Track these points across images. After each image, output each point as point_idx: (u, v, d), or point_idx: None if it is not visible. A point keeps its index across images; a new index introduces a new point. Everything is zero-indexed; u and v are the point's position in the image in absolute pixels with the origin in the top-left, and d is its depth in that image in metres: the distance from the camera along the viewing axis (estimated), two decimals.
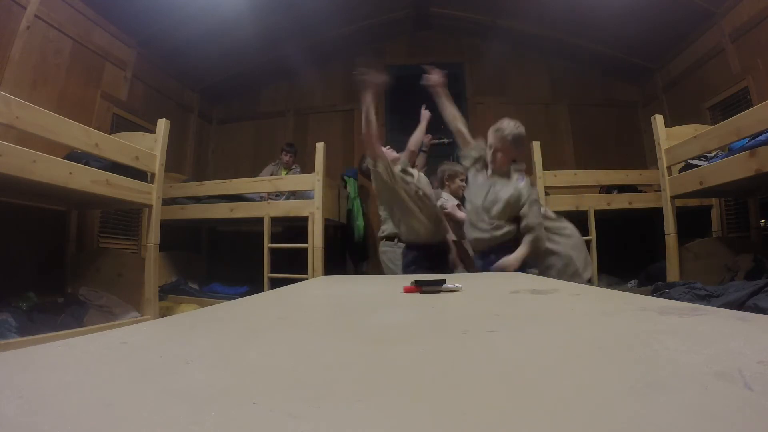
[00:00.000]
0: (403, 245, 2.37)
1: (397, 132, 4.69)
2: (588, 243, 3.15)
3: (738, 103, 3.24)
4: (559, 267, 2.37)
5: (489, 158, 2.13)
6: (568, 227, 2.49)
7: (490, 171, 2.15)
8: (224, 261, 4.36)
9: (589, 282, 2.40)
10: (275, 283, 3.05)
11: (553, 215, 2.45)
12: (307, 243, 3.21)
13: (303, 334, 0.55)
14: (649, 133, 3.03)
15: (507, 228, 2.07)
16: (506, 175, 2.11)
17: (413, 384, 0.32)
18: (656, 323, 0.52)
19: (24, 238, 2.69)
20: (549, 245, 2.45)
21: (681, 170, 2.68)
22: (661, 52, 4.03)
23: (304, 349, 0.45)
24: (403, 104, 4.75)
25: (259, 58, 4.48)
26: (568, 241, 2.42)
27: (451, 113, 2.27)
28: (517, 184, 2.08)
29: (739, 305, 1.75)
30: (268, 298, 1.02)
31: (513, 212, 2.06)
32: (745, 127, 2.03)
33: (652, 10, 3.48)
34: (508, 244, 2.06)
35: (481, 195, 2.11)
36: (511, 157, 2.10)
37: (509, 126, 2.06)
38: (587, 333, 0.51)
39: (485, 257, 2.12)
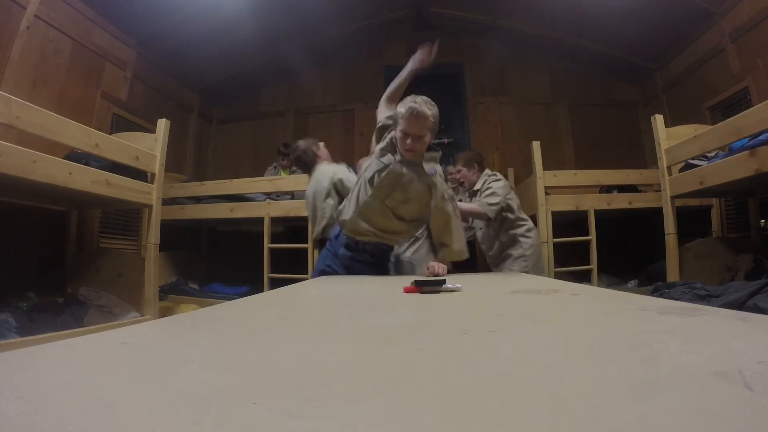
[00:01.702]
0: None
1: None
2: (588, 243, 3.16)
3: (738, 103, 3.23)
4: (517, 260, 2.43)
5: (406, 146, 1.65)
6: (532, 227, 2.56)
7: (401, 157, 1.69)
8: (224, 261, 4.36)
9: None
10: (275, 283, 3.05)
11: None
12: (307, 243, 3.21)
13: (303, 334, 0.55)
14: (649, 133, 3.02)
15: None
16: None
17: (413, 384, 0.32)
18: (656, 323, 0.52)
19: (24, 238, 2.69)
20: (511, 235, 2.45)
21: (681, 170, 2.68)
22: (661, 52, 4.03)
23: (304, 349, 0.45)
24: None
25: (259, 58, 4.47)
26: (528, 239, 2.48)
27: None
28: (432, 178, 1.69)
29: (739, 305, 1.74)
30: (268, 298, 1.02)
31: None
32: (745, 127, 2.03)
33: (652, 10, 3.48)
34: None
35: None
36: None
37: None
38: (587, 333, 0.51)
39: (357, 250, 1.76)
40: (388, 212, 1.69)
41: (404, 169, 1.66)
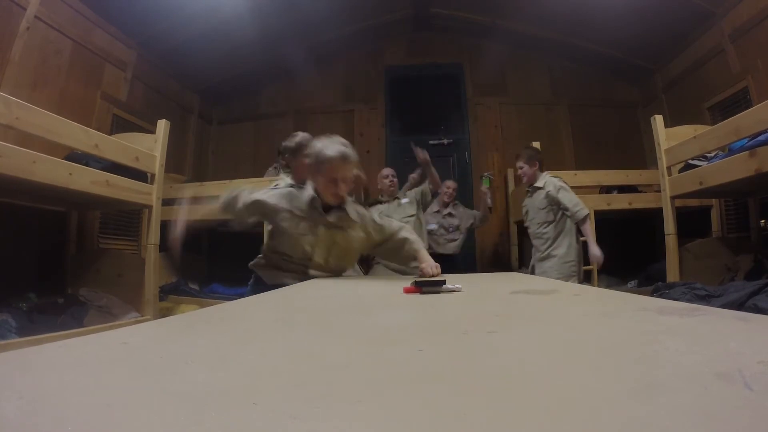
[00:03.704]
0: None
1: (396, 133, 4.69)
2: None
3: (738, 103, 3.23)
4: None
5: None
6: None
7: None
8: (224, 261, 4.35)
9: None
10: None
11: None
12: None
13: (303, 334, 0.55)
14: (649, 133, 3.02)
15: None
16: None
17: (413, 384, 0.32)
18: (656, 323, 0.52)
19: (24, 238, 2.69)
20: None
21: (681, 170, 2.68)
22: (661, 52, 4.03)
23: (304, 350, 0.45)
24: (402, 104, 4.76)
25: (259, 59, 4.48)
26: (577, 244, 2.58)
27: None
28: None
29: (739, 305, 1.74)
30: (268, 298, 1.02)
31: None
32: (745, 127, 2.03)
33: (651, 10, 3.48)
34: None
35: None
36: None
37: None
38: (587, 333, 0.51)
39: None
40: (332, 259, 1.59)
41: (336, 220, 1.53)
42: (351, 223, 1.56)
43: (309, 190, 1.54)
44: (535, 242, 2.70)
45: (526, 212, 2.78)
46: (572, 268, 2.52)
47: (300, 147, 1.92)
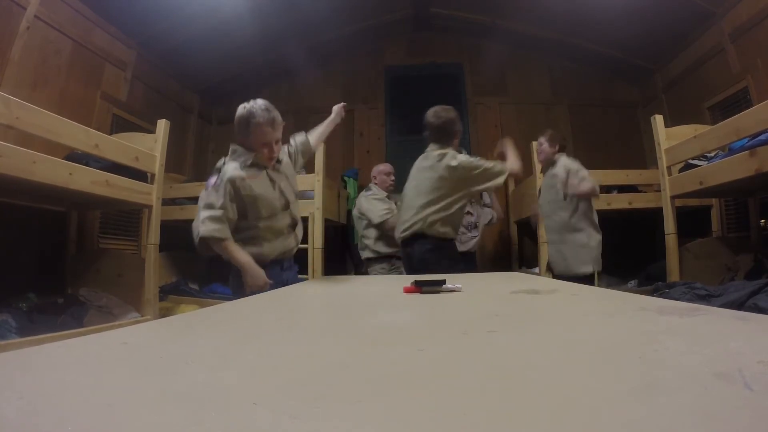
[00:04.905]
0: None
1: (396, 133, 4.70)
2: None
3: (738, 103, 3.23)
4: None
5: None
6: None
7: None
8: (224, 261, 4.35)
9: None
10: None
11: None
12: (307, 243, 3.21)
13: (303, 334, 0.55)
14: (649, 133, 3.02)
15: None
16: None
17: (413, 384, 0.32)
18: (656, 323, 0.52)
19: (24, 238, 2.68)
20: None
21: (681, 170, 2.68)
22: (660, 52, 4.02)
23: (304, 350, 0.45)
24: (402, 104, 4.76)
25: (259, 59, 4.48)
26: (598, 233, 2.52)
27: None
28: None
29: (739, 305, 1.74)
30: (267, 298, 1.02)
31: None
32: (745, 127, 2.03)
33: (651, 10, 3.48)
34: None
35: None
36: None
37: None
38: (587, 333, 0.51)
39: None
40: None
41: (278, 178, 1.70)
42: (282, 166, 1.75)
43: (246, 154, 1.63)
44: (547, 222, 2.67)
45: (539, 192, 2.76)
46: (592, 254, 2.44)
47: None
